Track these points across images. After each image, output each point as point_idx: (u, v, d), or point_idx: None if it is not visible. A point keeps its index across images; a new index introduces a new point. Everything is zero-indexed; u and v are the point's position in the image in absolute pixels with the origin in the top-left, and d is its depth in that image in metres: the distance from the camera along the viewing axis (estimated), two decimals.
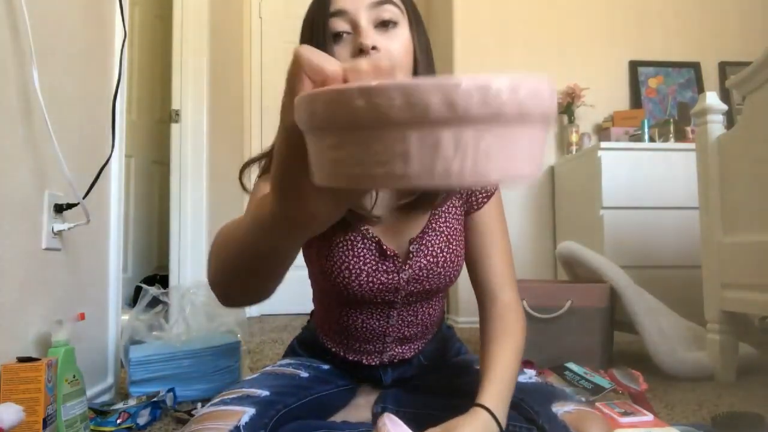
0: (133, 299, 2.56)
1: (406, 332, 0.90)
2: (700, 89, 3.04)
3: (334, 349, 0.94)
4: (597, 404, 1.13)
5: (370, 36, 0.71)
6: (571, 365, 1.50)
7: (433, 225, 0.84)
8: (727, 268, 1.63)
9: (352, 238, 0.82)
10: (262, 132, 3.50)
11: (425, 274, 0.84)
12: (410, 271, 0.83)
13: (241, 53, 3.48)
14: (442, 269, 0.84)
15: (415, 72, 0.77)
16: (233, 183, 0.84)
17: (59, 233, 1.20)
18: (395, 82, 0.26)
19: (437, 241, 0.84)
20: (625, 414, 1.08)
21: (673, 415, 1.31)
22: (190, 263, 2.60)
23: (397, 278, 0.83)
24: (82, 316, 1.22)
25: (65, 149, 1.17)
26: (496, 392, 0.73)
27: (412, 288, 0.85)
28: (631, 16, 3.10)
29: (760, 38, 3.02)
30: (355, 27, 0.71)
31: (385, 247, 0.82)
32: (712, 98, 1.70)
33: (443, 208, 0.85)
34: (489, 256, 0.86)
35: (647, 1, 3.11)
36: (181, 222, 2.61)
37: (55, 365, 1.03)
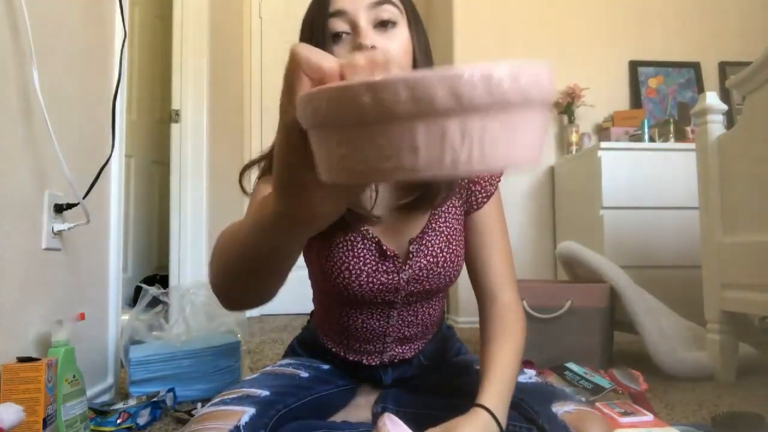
0: (133, 299, 2.56)
1: (406, 332, 0.90)
2: (700, 89, 3.04)
3: (334, 350, 0.94)
4: (597, 404, 1.13)
5: (369, 36, 0.71)
6: (571, 365, 1.50)
7: (433, 225, 0.84)
8: (727, 268, 1.63)
9: (352, 238, 0.82)
10: (262, 132, 3.50)
11: (425, 274, 0.84)
12: (410, 271, 0.83)
13: (241, 53, 3.48)
14: (442, 269, 0.84)
15: None
16: (233, 183, 0.85)
17: (59, 233, 1.20)
18: (400, 76, 0.27)
19: (437, 241, 0.84)
20: (625, 414, 1.08)
21: (673, 415, 1.31)
22: (190, 263, 2.60)
23: (397, 278, 0.83)
24: (82, 316, 1.22)
25: (65, 149, 1.17)
26: (496, 392, 0.73)
27: (412, 288, 0.85)
28: (631, 16, 3.10)
29: (760, 38, 3.02)
30: (354, 27, 0.71)
31: (385, 248, 0.82)
32: (712, 98, 1.70)
33: (443, 208, 0.85)
34: (489, 256, 0.86)
35: (647, 1, 3.11)
36: (181, 222, 2.61)
37: (55, 365, 1.03)
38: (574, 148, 2.88)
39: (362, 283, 0.82)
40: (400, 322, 0.89)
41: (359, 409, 0.89)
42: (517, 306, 0.84)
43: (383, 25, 0.72)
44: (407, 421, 0.69)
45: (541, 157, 0.31)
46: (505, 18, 3.05)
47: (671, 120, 2.72)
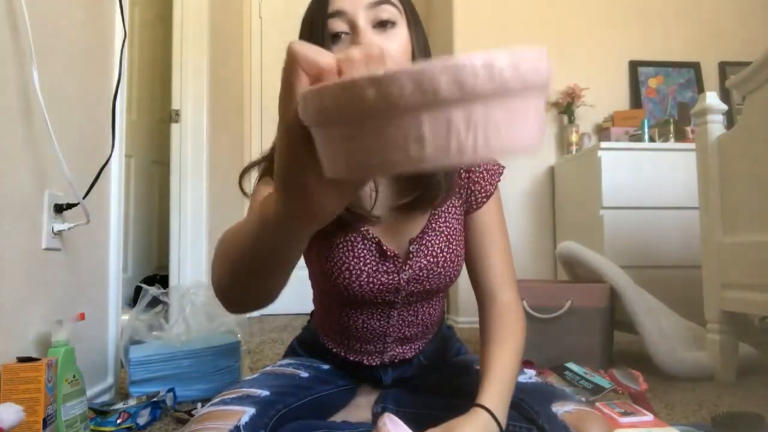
0: (133, 299, 2.56)
1: (406, 332, 0.90)
2: (700, 89, 3.04)
3: (335, 350, 0.94)
4: (597, 404, 1.13)
5: (369, 36, 0.71)
6: (571, 365, 1.50)
7: (433, 225, 0.84)
8: (727, 268, 1.63)
9: (352, 238, 0.82)
10: (262, 132, 3.50)
11: (425, 274, 0.84)
12: (410, 271, 0.83)
13: (241, 53, 3.48)
14: (442, 269, 0.84)
15: None
16: (233, 183, 0.85)
17: (59, 233, 1.20)
18: (403, 69, 0.27)
19: (437, 241, 0.84)
20: (625, 414, 1.08)
21: (673, 415, 1.31)
22: (190, 263, 2.60)
23: (397, 278, 0.83)
24: (82, 316, 1.22)
25: (65, 149, 1.17)
26: (496, 392, 0.73)
27: (413, 288, 0.85)
28: (631, 16, 3.10)
29: (760, 38, 3.02)
30: (354, 27, 0.71)
31: (385, 248, 0.82)
32: (712, 98, 1.70)
33: (443, 208, 0.85)
34: (488, 256, 0.86)
35: (647, 1, 3.11)
36: (181, 222, 2.61)
37: (55, 365, 1.03)
38: (574, 148, 2.88)
39: (362, 283, 0.82)
40: (400, 322, 0.89)
41: (359, 409, 0.89)
42: (517, 306, 0.84)
43: (382, 25, 0.72)
44: (407, 421, 0.69)
45: (542, 142, 0.32)
46: (505, 18, 3.05)
47: (671, 120, 2.72)
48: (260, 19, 3.58)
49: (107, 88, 1.49)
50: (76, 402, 1.09)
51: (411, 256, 0.83)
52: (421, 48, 0.77)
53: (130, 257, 3.10)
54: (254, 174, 0.82)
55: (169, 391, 1.41)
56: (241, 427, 0.68)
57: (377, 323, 0.88)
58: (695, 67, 3.10)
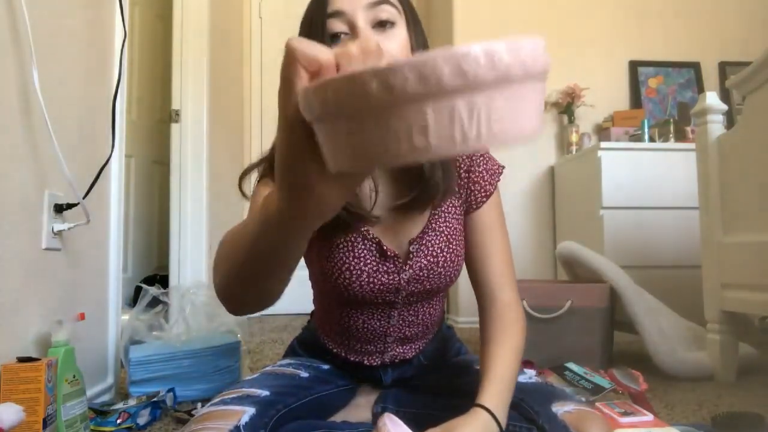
0: (133, 299, 2.56)
1: (407, 332, 0.90)
2: (700, 89, 3.04)
3: (335, 350, 0.94)
4: (597, 404, 1.13)
5: (367, 35, 0.71)
6: (571, 365, 1.50)
7: (433, 225, 0.84)
8: (727, 268, 1.63)
9: (352, 239, 0.82)
10: (262, 132, 3.50)
11: (425, 274, 0.84)
12: (410, 271, 0.83)
13: (241, 53, 3.48)
14: (442, 269, 0.84)
15: None
16: (233, 183, 0.85)
17: (59, 233, 1.20)
18: (405, 60, 0.27)
19: (437, 241, 0.84)
20: (625, 414, 1.08)
21: (673, 415, 1.31)
22: (190, 263, 2.60)
23: (397, 278, 0.83)
24: (82, 316, 1.22)
25: (65, 149, 1.18)
26: (496, 392, 0.73)
27: (413, 288, 0.85)
28: (631, 16, 3.10)
29: (760, 38, 3.02)
30: (353, 27, 0.71)
31: (385, 248, 0.82)
32: (712, 98, 1.70)
33: (443, 208, 0.85)
34: (488, 256, 0.86)
35: (647, 1, 3.11)
36: (181, 222, 2.61)
37: (55, 365, 1.03)
38: (574, 148, 2.88)
39: (363, 283, 0.82)
40: (400, 322, 0.89)
41: (359, 409, 0.89)
42: (517, 306, 0.84)
43: (382, 25, 0.72)
44: (407, 421, 0.69)
45: (542, 129, 0.32)
46: (505, 18, 3.05)
47: (671, 120, 2.72)
48: (260, 19, 3.58)
49: (107, 88, 1.49)
50: (76, 402, 1.09)
51: (411, 256, 0.83)
52: (420, 48, 0.77)
53: (130, 257, 3.10)
54: (254, 176, 0.82)
55: (169, 391, 1.41)
56: (241, 427, 0.68)
57: (377, 323, 0.88)
58: (695, 67, 3.10)
